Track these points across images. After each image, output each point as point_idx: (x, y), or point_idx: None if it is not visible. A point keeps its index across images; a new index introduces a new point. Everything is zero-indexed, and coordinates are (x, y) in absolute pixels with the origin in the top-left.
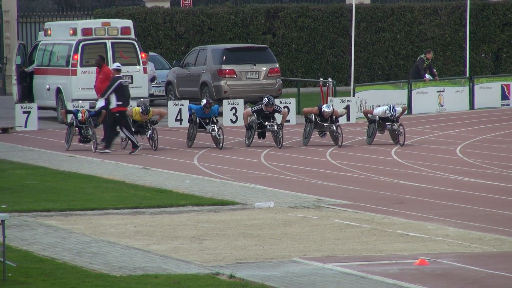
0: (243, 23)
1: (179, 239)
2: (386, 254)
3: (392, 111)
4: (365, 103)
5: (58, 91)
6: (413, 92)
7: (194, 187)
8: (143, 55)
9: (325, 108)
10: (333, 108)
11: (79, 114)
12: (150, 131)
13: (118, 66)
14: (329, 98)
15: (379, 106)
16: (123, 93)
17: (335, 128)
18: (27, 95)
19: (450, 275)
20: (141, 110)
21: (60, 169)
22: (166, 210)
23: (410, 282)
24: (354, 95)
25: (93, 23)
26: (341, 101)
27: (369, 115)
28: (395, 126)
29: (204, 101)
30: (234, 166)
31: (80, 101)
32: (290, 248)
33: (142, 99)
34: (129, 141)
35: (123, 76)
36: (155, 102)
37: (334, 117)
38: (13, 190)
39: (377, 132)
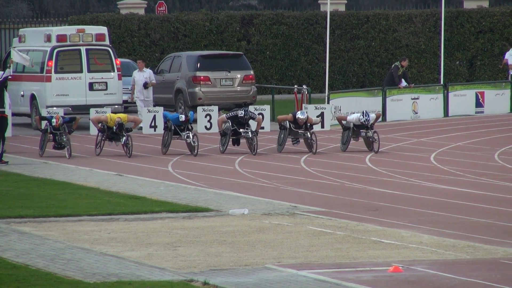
0: (218, 30)
1: (153, 245)
2: (360, 261)
3: (366, 116)
4: (340, 110)
5: (33, 97)
6: (388, 99)
7: (168, 193)
8: (140, 63)
9: (299, 115)
10: (307, 115)
11: (53, 120)
12: (124, 138)
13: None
14: (303, 105)
15: (353, 113)
16: None
17: (309, 135)
18: None
19: (424, 282)
20: (115, 128)
21: (34, 176)
22: (140, 216)
23: None
24: (328, 102)
25: (68, 30)
26: (316, 108)
27: (343, 122)
28: (370, 133)
29: (183, 117)
30: (209, 173)
31: (55, 108)
32: (264, 255)
33: (116, 106)
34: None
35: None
36: (129, 109)
37: (309, 124)
38: None
39: (352, 139)
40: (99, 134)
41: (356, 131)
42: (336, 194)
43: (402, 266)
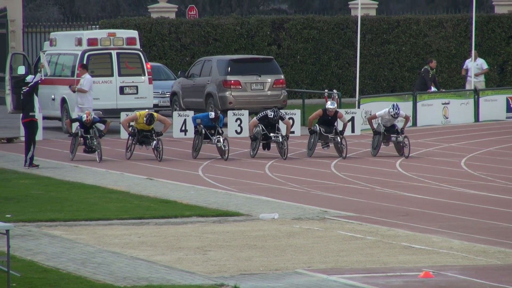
0: (249, 34)
1: (183, 250)
2: (391, 266)
3: (396, 109)
4: (370, 114)
5: (63, 101)
6: (418, 104)
7: (198, 198)
8: (80, 70)
9: (329, 105)
10: (336, 108)
11: (84, 115)
12: (155, 142)
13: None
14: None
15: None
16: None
17: (339, 140)
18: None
19: None
20: (145, 121)
21: (64, 179)
22: (170, 220)
23: None
24: (359, 107)
25: (99, 34)
26: (346, 112)
27: (373, 121)
28: (400, 138)
29: (212, 114)
30: (239, 177)
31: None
32: (295, 259)
33: (147, 110)
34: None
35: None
36: (160, 112)
37: (340, 129)
38: (18, 200)
39: (382, 144)
40: (130, 137)
41: (386, 136)
42: (366, 199)
43: (433, 272)
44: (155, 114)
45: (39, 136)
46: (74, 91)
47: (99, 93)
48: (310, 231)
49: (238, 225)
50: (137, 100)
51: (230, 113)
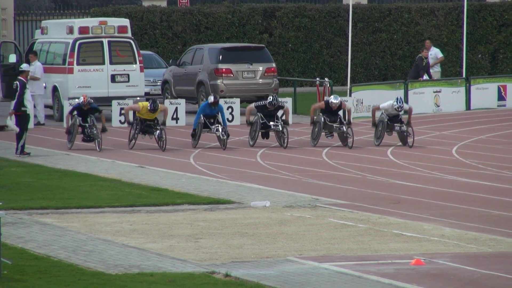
0: (240, 22)
1: (174, 237)
2: (382, 254)
3: (399, 103)
4: (362, 103)
5: (55, 89)
6: (410, 93)
7: (190, 185)
8: (32, 57)
9: (332, 100)
10: (340, 100)
11: (81, 98)
12: (158, 131)
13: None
14: (325, 98)
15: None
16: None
17: (345, 129)
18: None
19: (445, 275)
20: (149, 107)
21: (56, 167)
22: (162, 208)
23: (405, 282)
24: (350, 95)
25: (90, 22)
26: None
27: (377, 112)
28: (404, 127)
29: (211, 98)
30: (230, 165)
31: (77, 99)
32: (286, 247)
33: (138, 98)
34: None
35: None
36: None
37: (344, 117)
38: (9, 188)
39: (386, 133)
40: (132, 127)
41: (390, 125)
42: (358, 187)
43: (424, 259)
44: (158, 104)
45: (30, 124)
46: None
47: (91, 81)
48: (302, 218)
49: (229, 213)
50: (128, 88)
51: (221, 101)
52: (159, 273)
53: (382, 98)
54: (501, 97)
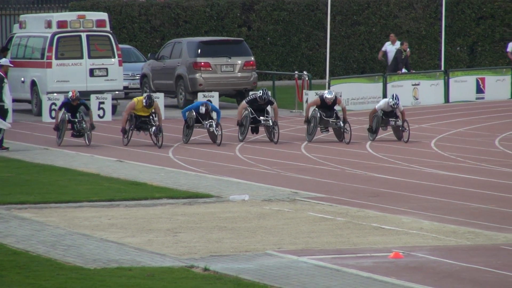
0: (219, 16)
1: (153, 232)
2: (361, 247)
3: (395, 100)
4: (340, 96)
5: (33, 83)
6: (388, 86)
7: (168, 180)
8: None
9: (327, 95)
10: (335, 96)
11: (69, 93)
12: (154, 128)
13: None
14: (304, 91)
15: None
16: None
17: (342, 125)
18: None
19: (424, 268)
20: (144, 102)
21: (34, 162)
22: (140, 202)
23: (384, 275)
24: (329, 88)
25: (68, 16)
26: (316, 94)
27: (375, 113)
28: (399, 122)
29: (203, 109)
30: (209, 159)
31: (55, 94)
32: (265, 241)
33: (117, 92)
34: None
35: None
36: (130, 95)
37: (340, 113)
38: None
39: (380, 128)
40: (127, 123)
41: (385, 120)
42: (336, 180)
43: (403, 252)
44: (153, 99)
45: (9, 119)
46: None
47: (69, 75)
48: (281, 212)
49: (208, 207)
50: (107, 82)
51: (200, 95)
52: (138, 267)
53: (361, 91)
54: (479, 90)
